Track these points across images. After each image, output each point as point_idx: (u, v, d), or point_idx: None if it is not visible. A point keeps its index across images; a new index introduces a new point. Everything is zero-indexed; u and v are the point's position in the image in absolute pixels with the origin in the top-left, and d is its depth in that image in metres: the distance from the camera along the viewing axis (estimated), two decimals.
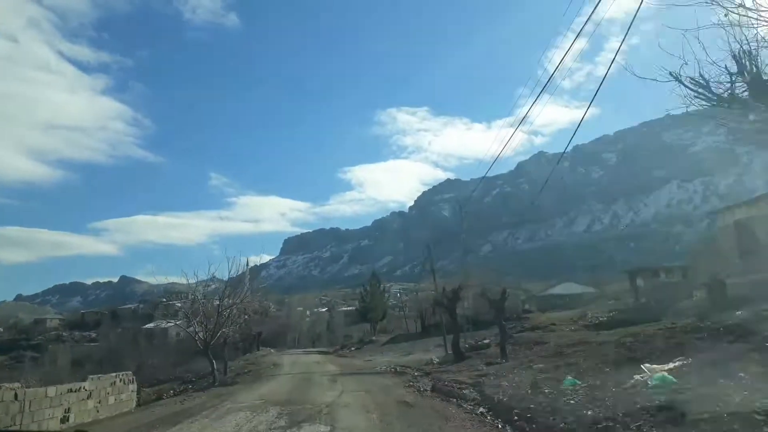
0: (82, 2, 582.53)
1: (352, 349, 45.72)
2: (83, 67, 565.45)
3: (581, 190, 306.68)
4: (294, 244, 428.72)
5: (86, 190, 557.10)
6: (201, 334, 24.01)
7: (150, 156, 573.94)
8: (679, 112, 8.66)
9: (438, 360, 24.48)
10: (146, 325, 68.28)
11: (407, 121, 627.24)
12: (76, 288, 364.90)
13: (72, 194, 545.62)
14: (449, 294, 25.64)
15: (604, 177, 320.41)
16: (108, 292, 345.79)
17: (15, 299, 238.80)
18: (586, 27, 9.82)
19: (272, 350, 49.54)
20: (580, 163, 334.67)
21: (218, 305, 24.55)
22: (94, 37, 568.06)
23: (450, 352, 25.28)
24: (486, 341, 26.85)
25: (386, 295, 67.50)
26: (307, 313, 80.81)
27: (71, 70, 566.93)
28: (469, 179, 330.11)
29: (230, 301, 25.30)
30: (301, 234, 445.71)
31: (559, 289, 51.54)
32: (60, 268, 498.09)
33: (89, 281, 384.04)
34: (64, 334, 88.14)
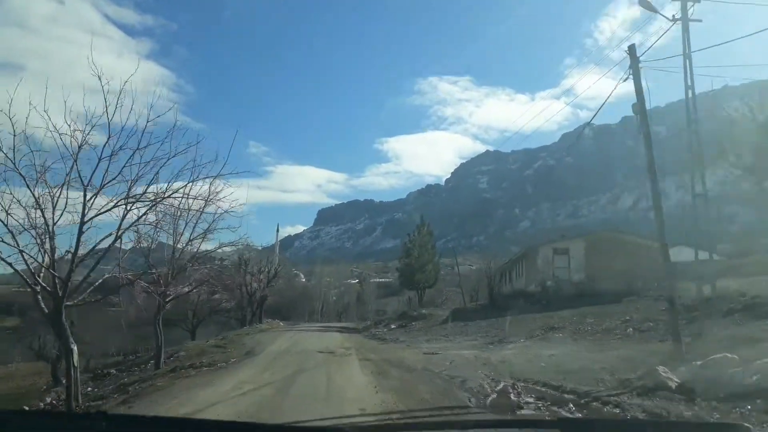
0: None
1: (392, 327, 32.38)
2: (129, 30, 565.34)
3: (628, 164, 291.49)
4: (327, 215, 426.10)
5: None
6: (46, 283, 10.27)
7: (191, 122, 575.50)
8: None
9: (679, 380, 8.36)
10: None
11: (448, 90, 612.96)
12: (114, 253, 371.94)
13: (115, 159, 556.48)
14: None
15: (653, 151, 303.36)
16: (143, 258, 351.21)
17: None
18: None
19: (281, 323, 40.00)
20: (629, 136, 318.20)
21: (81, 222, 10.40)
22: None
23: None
24: None
25: (437, 255, 49.17)
26: (335, 284, 74.94)
27: (118, 34, 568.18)
28: (510, 151, 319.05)
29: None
30: (335, 205, 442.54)
31: (672, 255, 38.31)
32: (98, 232, 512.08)
33: (127, 246, 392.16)
34: (92, 300, 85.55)
